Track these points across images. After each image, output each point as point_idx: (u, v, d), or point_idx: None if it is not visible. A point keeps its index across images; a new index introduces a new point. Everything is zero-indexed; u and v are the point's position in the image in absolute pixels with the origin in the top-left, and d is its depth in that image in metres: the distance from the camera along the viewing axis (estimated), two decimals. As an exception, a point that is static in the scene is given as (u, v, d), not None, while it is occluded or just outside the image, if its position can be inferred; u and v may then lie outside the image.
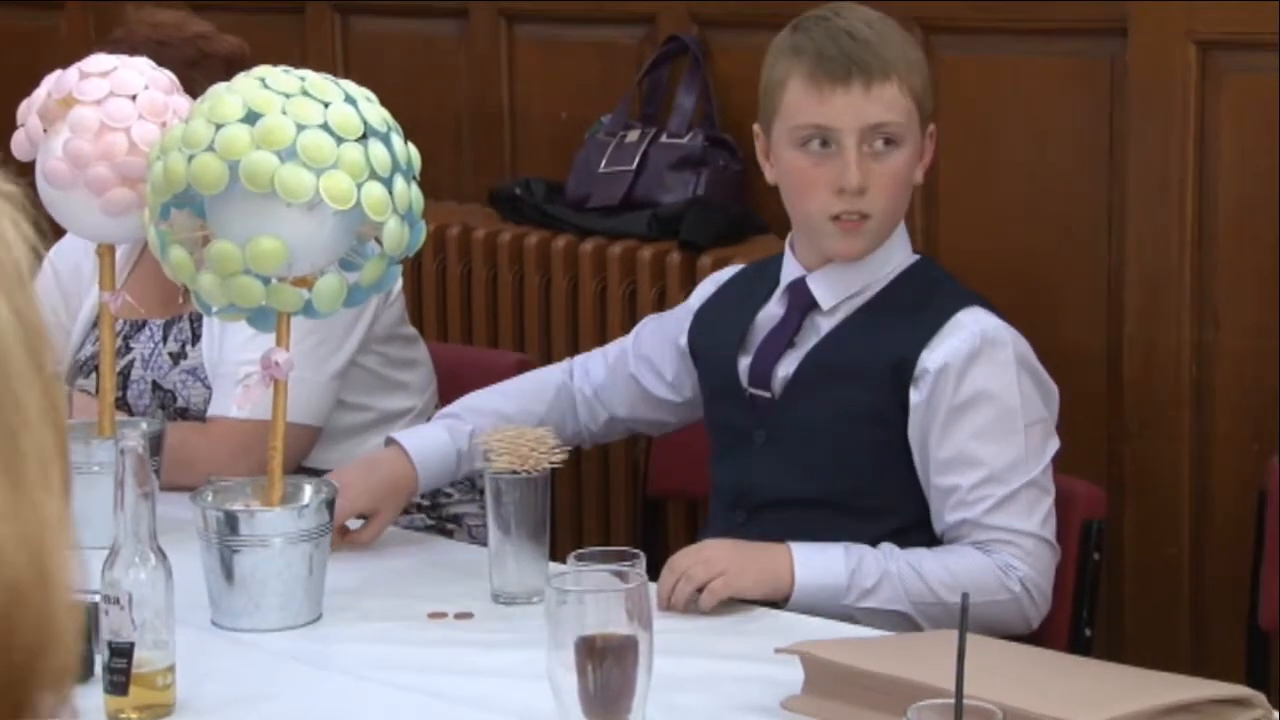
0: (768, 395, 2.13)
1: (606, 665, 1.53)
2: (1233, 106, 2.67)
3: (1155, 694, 1.55)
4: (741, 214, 3.06)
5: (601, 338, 3.15)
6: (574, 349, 3.19)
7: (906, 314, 2.09)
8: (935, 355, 2.04)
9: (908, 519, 2.07)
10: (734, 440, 2.17)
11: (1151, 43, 2.71)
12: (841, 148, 2.07)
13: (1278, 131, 2.64)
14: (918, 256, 2.17)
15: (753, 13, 3.14)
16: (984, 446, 2.03)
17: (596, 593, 1.56)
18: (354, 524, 2.15)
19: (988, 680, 1.41)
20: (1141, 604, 2.84)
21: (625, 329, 3.12)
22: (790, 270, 2.16)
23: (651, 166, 3.12)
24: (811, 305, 2.13)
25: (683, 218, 3.05)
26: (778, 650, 1.71)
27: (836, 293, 2.12)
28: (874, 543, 2.04)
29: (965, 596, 1.37)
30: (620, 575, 1.58)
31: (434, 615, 1.95)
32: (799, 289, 2.14)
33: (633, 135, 3.17)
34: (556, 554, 2.02)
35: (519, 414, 2.25)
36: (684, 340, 2.26)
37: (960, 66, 2.90)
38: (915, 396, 2.05)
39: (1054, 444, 2.09)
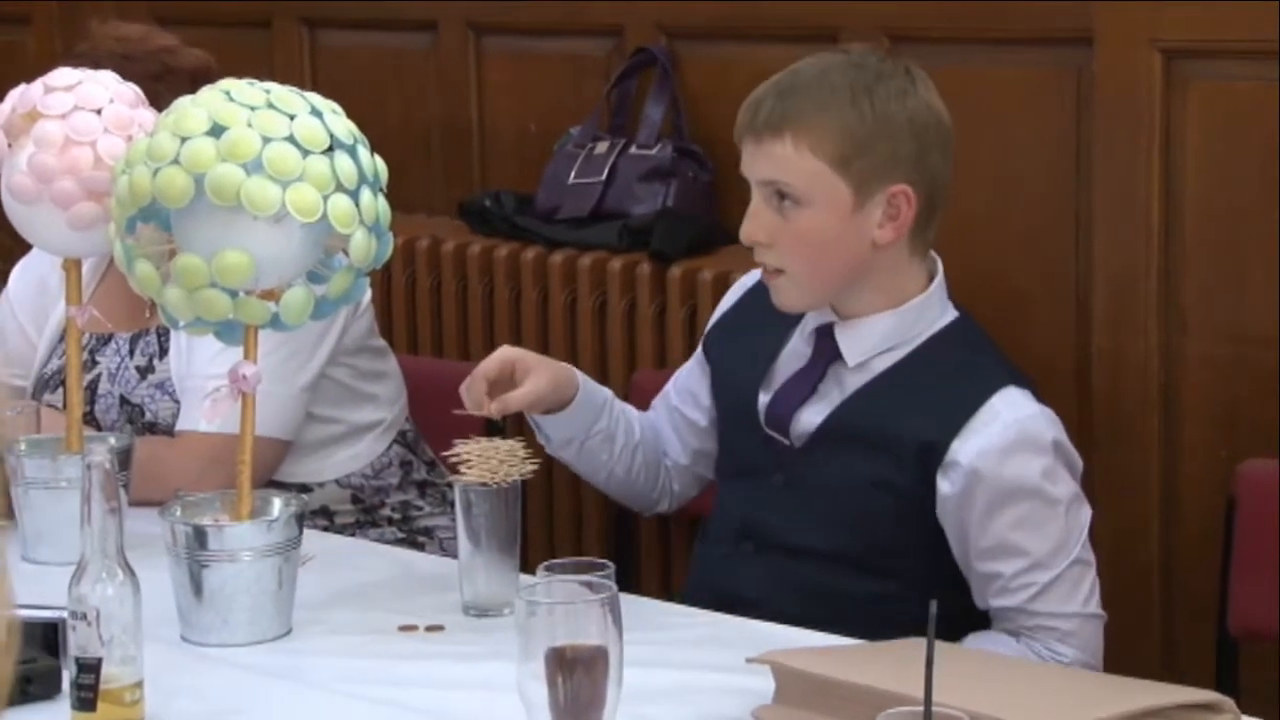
0: (787, 442, 2.09)
1: (577, 676, 1.53)
2: (1198, 114, 2.68)
3: (1124, 700, 1.55)
4: (711, 224, 3.07)
5: (572, 349, 3.16)
6: (544, 361, 3.19)
7: (938, 388, 2.03)
8: (968, 447, 1.98)
9: (918, 576, 2.04)
10: (749, 472, 2.13)
11: (1117, 51, 2.72)
12: (752, 198, 2.07)
13: (1243, 138, 2.65)
14: (956, 315, 2.10)
15: (720, 24, 3.15)
16: (1026, 537, 2.00)
17: (566, 604, 1.55)
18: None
19: (957, 688, 1.41)
20: (1112, 611, 2.83)
21: (595, 340, 3.13)
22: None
23: (621, 178, 3.12)
24: (837, 355, 2.07)
25: (653, 229, 3.05)
26: (748, 660, 1.71)
27: (864, 349, 2.06)
28: (878, 606, 2.01)
29: (933, 603, 1.37)
30: (590, 586, 1.58)
31: (404, 628, 1.94)
32: (825, 337, 2.09)
33: (602, 147, 3.17)
34: (529, 566, 2.01)
35: (640, 422, 2.26)
36: (704, 356, 2.23)
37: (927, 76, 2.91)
38: (944, 485, 2.00)
39: (1087, 513, 2.07)
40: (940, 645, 1.35)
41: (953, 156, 2.10)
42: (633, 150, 3.13)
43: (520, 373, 2.10)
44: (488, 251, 3.23)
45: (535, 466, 2.01)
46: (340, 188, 1.85)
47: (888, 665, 1.65)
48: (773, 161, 2.02)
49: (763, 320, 2.15)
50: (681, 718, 1.70)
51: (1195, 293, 2.72)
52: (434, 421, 2.63)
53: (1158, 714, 1.55)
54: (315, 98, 1.90)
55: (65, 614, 1.69)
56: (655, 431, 2.30)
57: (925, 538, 2.03)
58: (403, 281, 3.34)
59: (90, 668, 1.65)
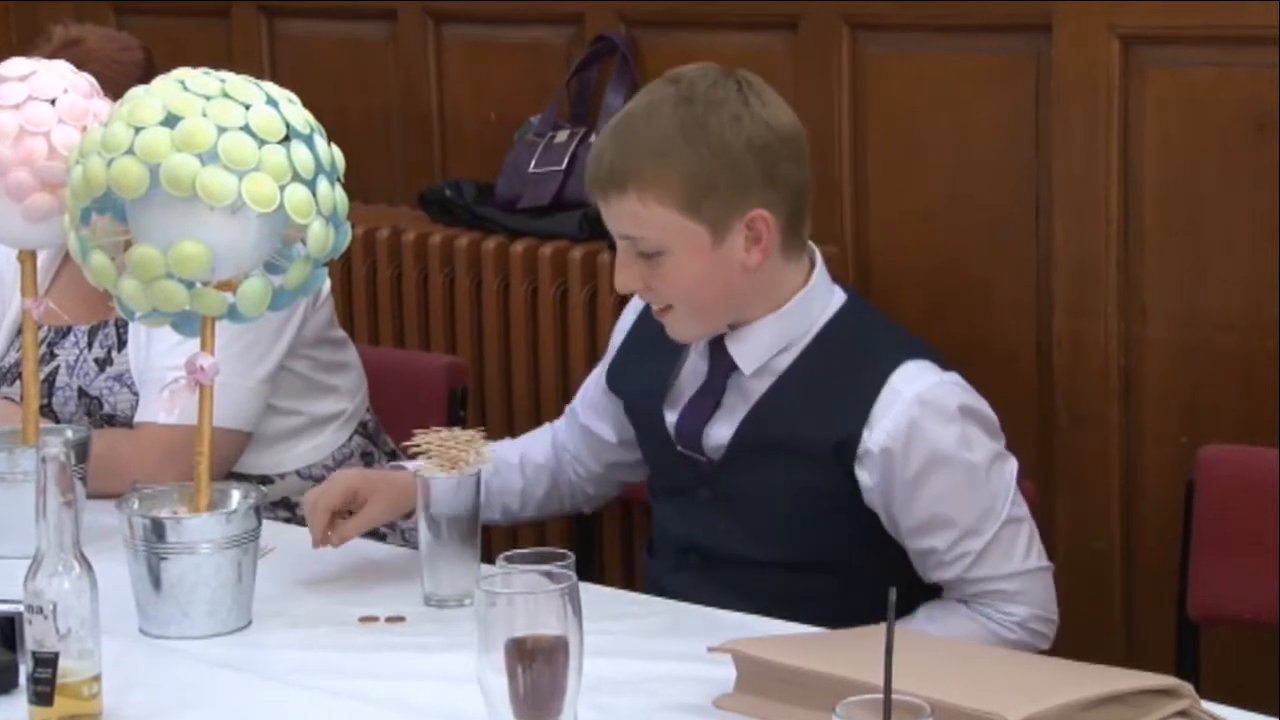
0: (703, 459, 2.08)
1: (537, 667, 1.53)
2: (1156, 100, 2.69)
3: (1083, 686, 1.56)
4: (672, 213, 3.06)
5: (534, 339, 3.15)
6: (506, 351, 3.18)
7: (838, 381, 2.01)
8: (876, 434, 1.97)
9: (863, 565, 2.05)
10: (677, 490, 2.13)
11: (1075, 38, 2.73)
12: (618, 249, 2.04)
13: (1201, 124, 2.66)
14: (844, 298, 2.07)
15: (680, 12, 3.14)
16: (951, 506, 1.99)
17: (526, 594, 1.55)
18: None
19: (917, 675, 1.41)
20: (1072, 596, 2.84)
21: (557, 330, 3.12)
22: None
23: (581, 167, 3.12)
24: (734, 365, 2.06)
25: (613, 218, 3.05)
26: (710, 649, 1.71)
27: (758, 355, 2.04)
28: (829, 598, 2.01)
29: (892, 590, 1.37)
30: (550, 576, 1.57)
31: (365, 619, 1.94)
32: (719, 350, 2.07)
33: (562, 135, 3.17)
34: (492, 556, 2.01)
35: (524, 462, 2.25)
36: (604, 381, 2.21)
37: (886, 64, 2.92)
38: (864, 476, 1.99)
39: (1013, 466, 2.05)
40: (901, 633, 1.36)
41: (808, 156, 2.03)
42: (593, 139, 3.13)
43: (362, 497, 2.05)
44: (448, 241, 3.22)
45: (494, 456, 2.01)
46: (297, 178, 1.84)
47: (848, 653, 1.66)
48: (624, 217, 1.99)
49: (657, 341, 2.11)
50: (643, 707, 1.70)
51: (1154, 279, 2.73)
52: (395, 412, 2.62)
53: (1117, 699, 1.56)
54: (271, 87, 1.89)
55: (22, 608, 1.67)
56: (561, 457, 2.28)
57: (861, 528, 2.03)
58: (363, 272, 3.33)
59: (47, 662, 1.64)
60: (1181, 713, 1.58)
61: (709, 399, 2.08)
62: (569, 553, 1.66)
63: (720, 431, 2.07)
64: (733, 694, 1.68)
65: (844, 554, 2.04)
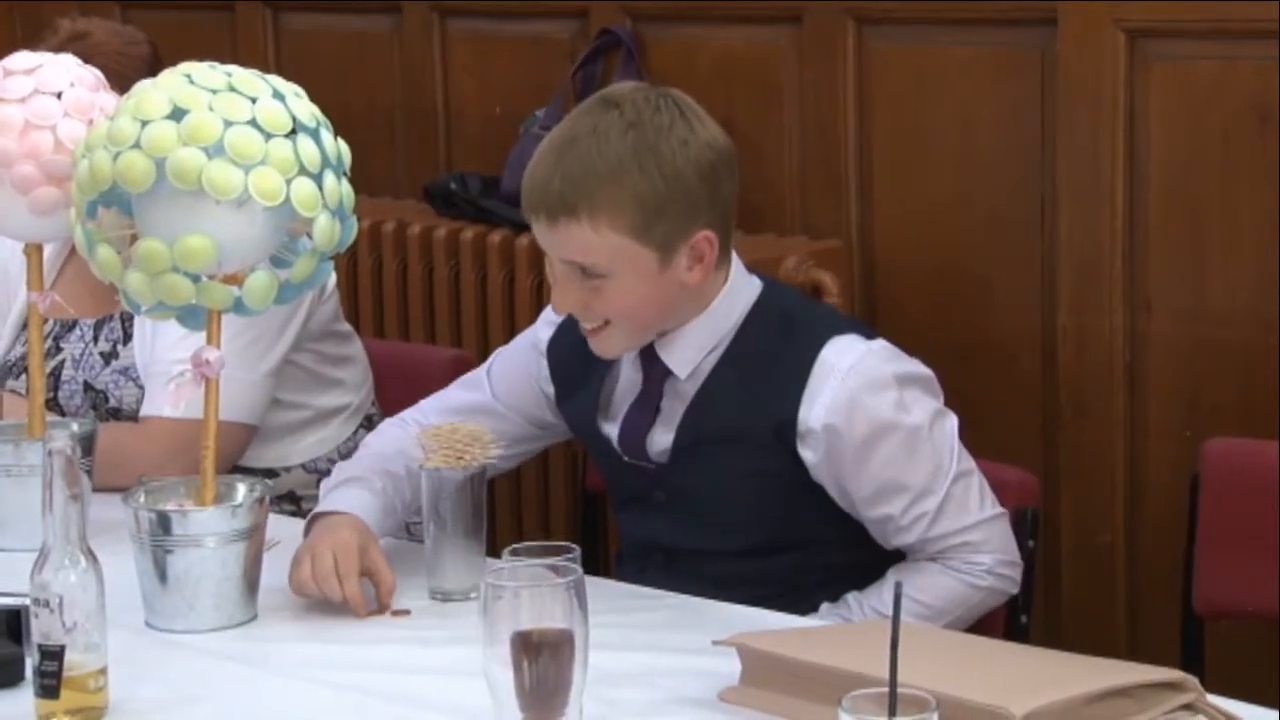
0: (650, 465, 2.09)
1: (542, 660, 1.53)
2: (1160, 94, 2.69)
3: (1088, 679, 1.56)
4: (676, 207, 3.06)
5: (538, 332, 3.15)
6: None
7: (768, 364, 2.03)
8: (814, 412, 1.99)
9: (824, 544, 2.07)
10: (634, 497, 2.15)
11: (1080, 32, 2.73)
12: (557, 270, 2.02)
13: (1204, 118, 2.67)
14: (760, 286, 2.07)
15: (684, 6, 3.15)
16: (900, 471, 2.01)
17: (531, 587, 1.55)
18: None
19: (922, 668, 1.42)
20: (1077, 590, 2.86)
21: (561, 323, 3.12)
22: None
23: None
24: (668, 371, 2.07)
25: (618, 211, 3.05)
26: (715, 642, 1.71)
27: (690, 358, 2.05)
28: (794, 574, 2.04)
29: (898, 585, 1.37)
30: (555, 569, 1.58)
31: (371, 613, 1.94)
32: (651, 358, 2.08)
33: (567, 129, 3.16)
34: (497, 551, 2.01)
35: (406, 473, 2.13)
36: (551, 389, 2.20)
37: (890, 58, 2.92)
38: (808, 454, 2.01)
39: (953, 422, 2.06)
40: (906, 626, 1.36)
41: (737, 169, 2.03)
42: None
43: (361, 546, 1.98)
44: (453, 235, 3.22)
45: (500, 451, 2.01)
46: (303, 171, 1.85)
47: (853, 646, 1.66)
48: (572, 242, 1.97)
49: (583, 362, 2.12)
50: (648, 700, 1.70)
51: (1159, 273, 2.73)
52: (400, 406, 2.62)
53: (1122, 693, 1.56)
54: (277, 81, 1.89)
55: (28, 601, 1.68)
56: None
57: (815, 505, 2.05)
58: (368, 265, 3.33)
59: (53, 655, 1.64)
60: (1186, 706, 1.59)
61: (649, 407, 2.09)
62: (574, 546, 1.66)
63: (661, 437, 2.08)
64: (738, 687, 1.69)
65: (802, 532, 2.07)
